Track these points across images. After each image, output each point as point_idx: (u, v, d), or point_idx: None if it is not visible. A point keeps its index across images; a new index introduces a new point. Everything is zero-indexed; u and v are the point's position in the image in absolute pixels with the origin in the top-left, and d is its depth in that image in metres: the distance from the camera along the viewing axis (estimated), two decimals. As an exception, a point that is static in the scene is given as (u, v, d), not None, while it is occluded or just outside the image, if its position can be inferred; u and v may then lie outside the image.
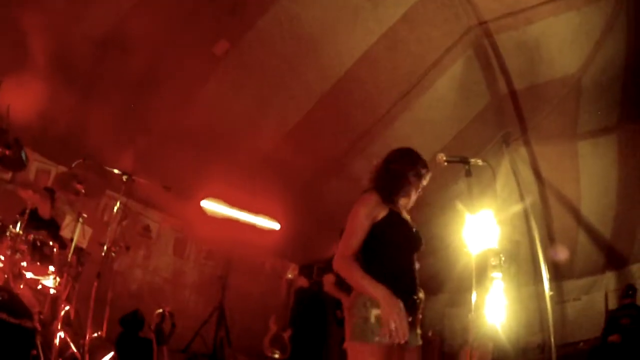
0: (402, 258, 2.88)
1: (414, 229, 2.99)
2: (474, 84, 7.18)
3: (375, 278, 2.66)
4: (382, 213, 2.86)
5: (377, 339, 2.54)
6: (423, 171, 3.04)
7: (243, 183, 8.37)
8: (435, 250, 8.24)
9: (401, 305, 2.57)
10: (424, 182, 3.07)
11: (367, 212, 2.83)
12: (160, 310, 6.26)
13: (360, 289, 2.69)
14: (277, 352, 7.79)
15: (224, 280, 8.53)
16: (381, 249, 2.83)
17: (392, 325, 2.48)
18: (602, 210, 8.03)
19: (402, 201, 3.02)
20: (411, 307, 2.76)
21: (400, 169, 3.00)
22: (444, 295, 10.11)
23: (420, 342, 2.87)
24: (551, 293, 6.19)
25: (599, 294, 8.45)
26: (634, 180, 7.47)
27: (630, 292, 7.15)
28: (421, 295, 2.90)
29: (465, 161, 3.26)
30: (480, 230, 4.69)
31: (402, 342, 2.49)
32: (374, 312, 2.59)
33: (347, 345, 2.71)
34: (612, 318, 7.12)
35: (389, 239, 2.85)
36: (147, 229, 8.12)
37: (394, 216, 2.90)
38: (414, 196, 3.07)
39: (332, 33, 6.49)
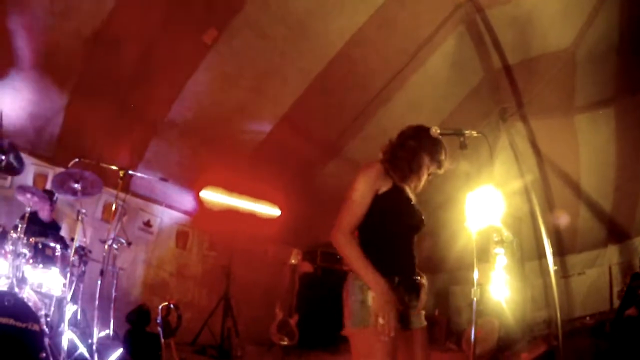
0: (401, 237, 2.76)
1: (417, 209, 2.86)
2: (467, 60, 7.14)
3: (371, 255, 2.54)
4: (384, 186, 2.70)
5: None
6: (440, 156, 2.91)
7: (241, 171, 8.36)
8: (436, 228, 8.25)
9: (393, 302, 2.45)
10: (439, 169, 2.94)
11: (370, 185, 2.66)
12: (165, 303, 6.27)
13: (357, 273, 2.55)
14: (285, 338, 7.82)
15: (228, 270, 8.55)
16: (380, 226, 2.67)
17: (381, 321, 2.39)
18: (602, 183, 7.97)
19: (412, 180, 2.86)
20: (410, 289, 2.69)
21: (416, 146, 2.85)
22: (447, 274, 10.14)
23: (424, 324, 2.79)
24: (555, 268, 6.17)
25: (602, 268, 8.44)
26: (633, 153, 7.41)
27: None
28: (423, 281, 2.81)
29: (459, 133, 3.20)
30: (481, 206, 4.69)
31: (386, 339, 2.38)
32: (372, 295, 2.49)
33: (348, 332, 2.59)
34: (629, 290, 7.04)
35: (389, 216, 2.69)
36: (147, 223, 8.11)
37: (397, 192, 2.75)
38: (424, 178, 2.93)
39: (321, 14, 6.41)
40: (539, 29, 6.47)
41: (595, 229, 8.38)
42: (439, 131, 3.04)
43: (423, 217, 2.87)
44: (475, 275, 3.44)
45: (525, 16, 6.35)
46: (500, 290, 6.71)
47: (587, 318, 7.59)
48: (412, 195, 2.90)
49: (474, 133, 3.27)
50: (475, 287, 3.47)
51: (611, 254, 8.39)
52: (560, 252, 8.55)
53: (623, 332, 6.31)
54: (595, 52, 6.58)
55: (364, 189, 2.65)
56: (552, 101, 7.37)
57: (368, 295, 2.50)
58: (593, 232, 8.44)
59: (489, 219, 5.35)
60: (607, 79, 6.88)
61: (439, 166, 2.94)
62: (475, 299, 3.49)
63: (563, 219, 8.11)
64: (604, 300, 7.82)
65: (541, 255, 7.49)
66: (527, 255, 8.37)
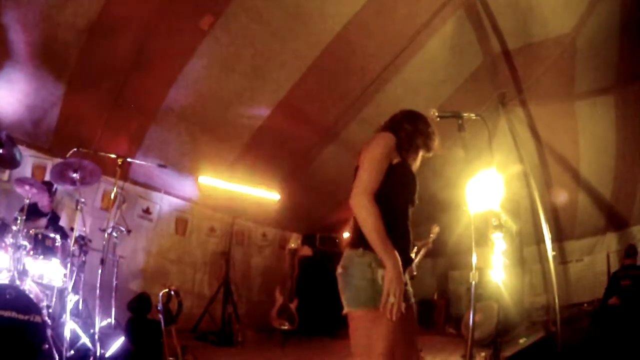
0: (404, 212, 2.68)
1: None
2: (466, 45, 7.07)
3: None
4: (397, 158, 2.66)
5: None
6: (432, 141, 2.87)
7: (239, 156, 8.36)
8: (436, 212, 8.26)
9: (403, 281, 2.35)
10: (429, 152, 2.91)
11: (387, 152, 2.60)
12: (166, 290, 6.29)
13: (371, 240, 2.39)
14: (285, 323, 7.88)
15: (228, 256, 8.58)
16: (388, 199, 2.54)
17: (392, 299, 2.27)
18: (601, 171, 8.03)
19: (411, 160, 2.84)
20: (406, 265, 2.61)
21: (412, 129, 2.81)
22: (447, 258, 10.20)
23: (413, 300, 2.74)
24: (554, 253, 6.20)
25: (600, 255, 8.52)
26: (633, 140, 7.45)
27: (632, 252, 7.15)
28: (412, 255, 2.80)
29: (457, 115, 3.21)
30: (480, 191, 4.69)
31: (394, 319, 2.27)
32: (381, 273, 2.37)
33: (351, 312, 2.47)
34: (613, 279, 7.15)
35: (398, 189, 2.63)
36: (147, 210, 8.11)
37: (406, 165, 2.73)
38: (418, 161, 2.91)
39: (318, -2, 6.35)
40: (539, 14, 6.42)
41: (594, 216, 8.44)
42: (437, 114, 3.04)
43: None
44: (474, 259, 3.45)
45: (525, 1, 6.30)
46: (499, 275, 6.74)
47: (585, 304, 7.67)
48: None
49: (472, 116, 3.28)
50: (473, 271, 3.48)
51: (610, 242, 8.46)
52: (559, 238, 8.61)
53: (605, 321, 6.43)
54: (596, 39, 6.55)
55: (383, 154, 2.59)
56: (552, 87, 7.35)
57: (378, 273, 2.40)
58: (592, 219, 8.49)
59: (488, 203, 5.36)
60: (608, 66, 6.86)
61: (429, 150, 2.90)
62: (473, 282, 3.50)
63: (561, 204, 8.15)
64: (602, 287, 7.87)
65: (540, 240, 7.52)
66: (526, 240, 8.43)
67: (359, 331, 2.42)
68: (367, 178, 2.50)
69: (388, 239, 2.38)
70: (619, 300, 6.64)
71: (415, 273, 5.96)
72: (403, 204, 2.68)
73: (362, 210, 2.41)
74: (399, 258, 2.38)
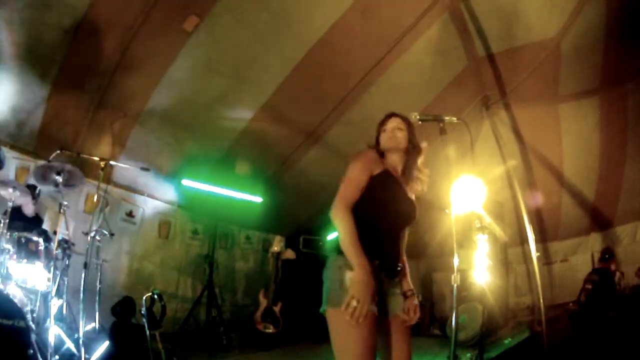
0: (388, 224, 2.76)
1: (408, 197, 2.88)
2: (451, 48, 7.13)
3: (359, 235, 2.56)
4: (378, 169, 2.77)
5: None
6: (384, 121, 3.00)
7: (223, 159, 8.32)
8: (419, 214, 8.29)
9: (371, 286, 2.45)
10: (388, 128, 2.95)
11: (364, 165, 2.76)
12: (149, 294, 6.24)
13: (343, 246, 2.56)
14: (270, 326, 7.86)
15: (211, 259, 8.53)
16: (369, 207, 2.68)
17: (354, 303, 2.37)
18: (585, 172, 8.15)
19: (391, 159, 2.93)
20: (392, 275, 2.73)
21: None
22: (430, 260, 10.25)
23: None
24: (538, 254, 6.27)
25: (585, 255, 8.64)
26: (617, 141, 7.58)
27: (607, 256, 7.27)
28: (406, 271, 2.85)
29: (439, 119, 3.25)
30: (463, 193, 4.71)
31: (355, 323, 2.36)
32: (349, 276, 2.50)
33: (326, 311, 2.56)
34: (584, 281, 7.28)
35: (379, 196, 2.71)
36: (130, 214, 8.03)
37: (388, 175, 2.80)
38: (397, 153, 2.93)
39: (303, 0, 6.35)
40: (524, 18, 6.50)
41: (578, 217, 8.54)
42: (418, 117, 3.08)
43: (414, 211, 2.88)
44: (456, 261, 3.48)
45: (510, 6, 6.39)
46: (483, 276, 6.79)
47: (570, 304, 7.74)
48: (406, 188, 2.90)
49: (454, 119, 3.32)
50: (455, 273, 3.50)
51: (594, 242, 8.58)
52: (543, 239, 8.71)
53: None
54: (581, 43, 6.65)
55: (359, 169, 2.75)
56: (536, 90, 7.44)
57: (346, 275, 2.51)
58: (576, 220, 8.60)
59: (471, 205, 5.40)
60: (593, 69, 6.96)
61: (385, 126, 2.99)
62: (455, 285, 3.52)
63: (545, 205, 8.24)
64: (587, 288, 7.98)
65: (524, 241, 7.59)
66: (510, 242, 8.48)
67: (333, 330, 2.51)
68: (343, 190, 2.70)
69: (357, 245, 2.52)
70: (583, 302, 6.82)
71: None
72: (387, 215, 2.74)
73: (336, 220, 2.61)
74: (367, 263, 2.48)
